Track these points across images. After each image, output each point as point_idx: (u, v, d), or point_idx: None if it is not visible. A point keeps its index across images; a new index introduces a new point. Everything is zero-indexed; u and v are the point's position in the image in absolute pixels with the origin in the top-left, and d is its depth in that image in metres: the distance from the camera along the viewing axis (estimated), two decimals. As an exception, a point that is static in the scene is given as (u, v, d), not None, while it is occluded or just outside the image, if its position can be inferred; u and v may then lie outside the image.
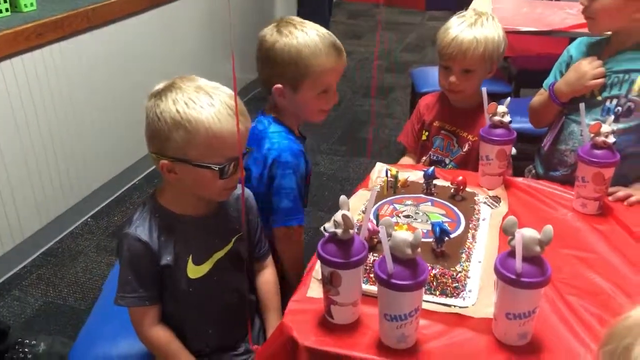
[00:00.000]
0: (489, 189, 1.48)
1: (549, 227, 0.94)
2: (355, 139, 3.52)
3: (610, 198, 1.44)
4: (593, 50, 1.60)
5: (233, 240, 1.28)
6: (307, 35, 1.43)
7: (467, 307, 1.07)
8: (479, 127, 1.51)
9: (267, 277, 1.40)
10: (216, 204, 1.26)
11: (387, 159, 1.63)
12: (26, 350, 1.64)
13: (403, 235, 0.93)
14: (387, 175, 1.40)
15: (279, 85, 1.45)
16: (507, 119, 1.44)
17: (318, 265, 1.13)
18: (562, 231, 1.29)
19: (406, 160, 1.83)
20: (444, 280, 1.08)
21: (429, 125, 1.77)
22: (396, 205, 1.31)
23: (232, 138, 1.12)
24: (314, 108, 1.50)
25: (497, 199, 1.43)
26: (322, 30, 1.47)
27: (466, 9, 1.70)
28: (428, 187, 1.37)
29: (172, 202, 1.23)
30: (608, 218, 1.39)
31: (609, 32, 1.58)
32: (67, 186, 2.52)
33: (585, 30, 1.63)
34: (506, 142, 1.45)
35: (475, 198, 1.37)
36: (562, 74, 1.63)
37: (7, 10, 2.24)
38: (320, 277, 1.08)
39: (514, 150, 1.52)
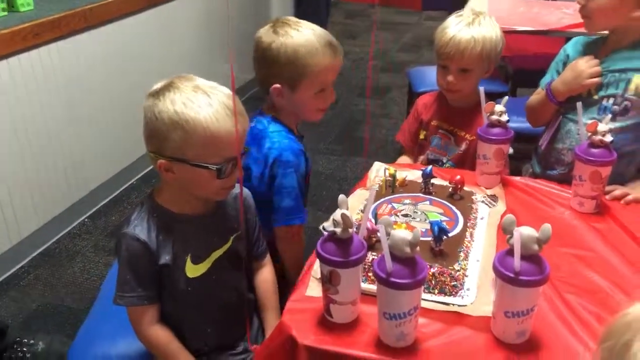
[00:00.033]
0: (486, 188, 1.48)
1: (547, 226, 0.94)
2: (352, 138, 3.53)
3: (607, 197, 1.45)
4: (590, 49, 1.60)
5: (231, 239, 1.28)
6: (303, 35, 1.43)
7: (465, 305, 1.07)
8: (477, 126, 1.52)
9: (265, 276, 1.40)
10: (214, 203, 1.27)
11: (383, 158, 1.64)
12: (25, 349, 1.64)
13: (402, 234, 0.93)
14: (385, 175, 1.40)
15: (277, 85, 1.46)
16: (504, 118, 1.45)
17: (317, 264, 1.13)
18: (559, 230, 1.30)
19: (404, 159, 1.83)
20: (443, 278, 1.08)
21: (426, 124, 1.78)
22: (394, 205, 1.31)
23: (230, 138, 1.13)
24: (312, 107, 1.51)
25: (494, 198, 1.43)
26: (318, 29, 1.47)
27: (463, 9, 1.70)
28: (426, 186, 1.38)
29: (170, 201, 1.23)
30: (605, 217, 1.40)
31: (606, 32, 1.59)
32: (64, 186, 2.52)
33: (582, 29, 1.64)
34: (504, 141, 1.46)
35: (473, 197, 1.37)
36: (558, 73, 1.64)
37: (4, 10, 2.23)
38: (319, 276, 1.08)
39: (510, 150, 1.52)
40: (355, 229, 1.01)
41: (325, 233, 1.00)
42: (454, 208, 1.31)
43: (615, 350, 0.61)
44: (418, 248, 0.94)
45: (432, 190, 1.37)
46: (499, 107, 1.45)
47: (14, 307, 2.15)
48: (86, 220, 2.68)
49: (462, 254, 1.14)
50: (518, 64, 3.13)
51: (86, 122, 2.59)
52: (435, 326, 1.03)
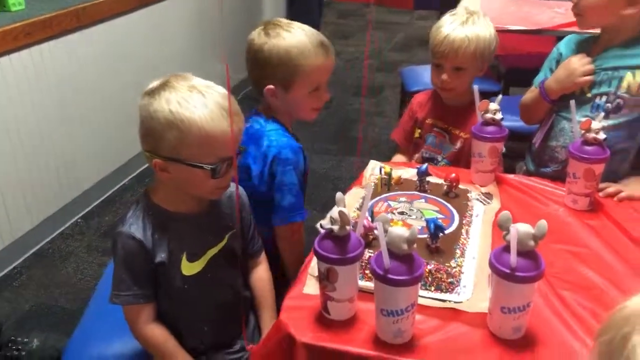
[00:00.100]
0: (481, 186, 1.49)
1: (543, 222, 0.95)
2: (346, 137, 3.53)
3: (600, 194, 1.46)
4: (582, 47, 1.61)
5: (226, 237, 1.28)
6: (294, 36, 1.44)
7: (462, 302, 1.08)
8: (471, 125, 1.52)
9: (261, 274, 1.40)
10: (209, 202, 1.27)
11: (377, 157, 1.64)
12: (19, 347, 1.63)
13: (399, 230, 0.94)
14: (380, 173, 1.41)
15: (271, 86, 1.46)
16: (498, 116, 1.45)
17: (314, 262, 1.13)
18: (554, 227, 1.29)
19: (399, 157, 1.84)
20: (439, 275, 1.09)
21: (421, 122, 1.78)
22: (390, 202, 1.32)
23: (225, 138, 1.13)
24: (307, 106, 1.51)
25: (489, 196, 1.44)
26: (309, 29, 1.48)
27: (455, 9, 1.71)
28: (421, 184, 1.38)
29: (165, 200, 1.23)
30: (599, 214, 1.41)
31: (598, 30, 1.60)
32: (57, 186, 2.51)
33: (574, 29, 1.65)
34: (498, 139, 1.47)
35: (468, 195, 1.38)
36: (552, 71, 1.65)
37: (-5, 9, 2.22)
38: (316, 273, 1.08)
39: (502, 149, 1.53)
40: (351, 227, 1.01)
41: (323, 231, 1.00)
42: (449, 206, 1.32)
43: (614, 344, 0.61)
44: (415, 245, 0.94)
45: (427, 188, 1.38)
46: (494, 105, 1.45)
47: (7, 307, 2.14)
48: (79, 220, 2.67)
49: (458, 251, 1.15)
50: (510, 63, 3.15)
51: (78, 122, 2.58)
52: (432, 323, 1.04)
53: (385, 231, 0.94)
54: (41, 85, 2.34)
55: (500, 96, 1.48)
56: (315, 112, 1.55)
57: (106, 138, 2.76)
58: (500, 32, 1.67)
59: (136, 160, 2.94)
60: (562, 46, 1.66)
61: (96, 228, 2.62)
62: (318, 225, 1.02)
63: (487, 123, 1.47)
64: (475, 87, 1.51)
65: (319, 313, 1.06)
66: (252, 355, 1.14)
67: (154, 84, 1.17)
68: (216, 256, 1.27)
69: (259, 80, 1.49)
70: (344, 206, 1.00)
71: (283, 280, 1.43)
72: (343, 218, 0.97)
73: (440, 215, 1.27)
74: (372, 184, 1.37)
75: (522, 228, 0.95)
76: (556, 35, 2.55)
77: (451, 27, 1.61)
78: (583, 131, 1.37)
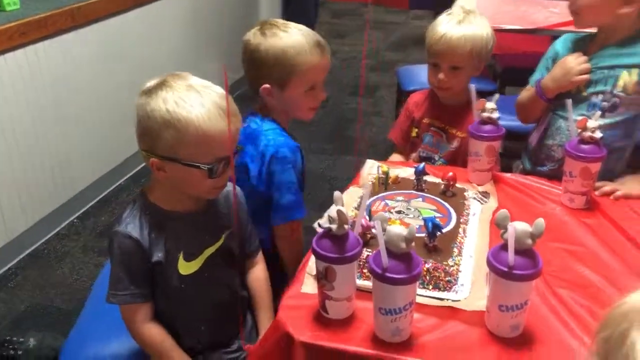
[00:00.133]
0: (478, 185, 1.49)
1: (540, 220, 0.95)
2: (342, 137, 3.53)
3: (596, 192, 1.47)
4: (578, 46, 1.62)
5: (223, 236, 1.28)
6: (290, 35, 1.45)
7: (459, 300, 1.08)
8: (468, 124, 1.53)
9: (258, 274, 1.40)
10: (205, 201, 1.26)
11: (374, 156, 1.64)
12: (16, 347, 1.62)
13: (397, 229, 0.94)
14: (378, 172, 1.41)
15: (267, 85, 1.46)
16: (495, 115, 1.46)
17: (312, 261, 1.13)
18: (550, 225, 1.29)
19: (396, 157, 1.84)
20: (437, 274, 1.09)
21: (418, 122, 1.78)
22: (388, 202, 1.32)
23: (222, 138, 1.12)
24: (303, 106, 1.51)
25: (486, 195, 1.44)
26: (305, 29, 1.49)
27: (450, 8, 1.71)
28: (419, 184, 1.38)
29: (161, 199, 1.23)
30: (595, 212, 1.41)
31: (595, 29, 1.61)
32: (52, 187, 2.50)
33: (570, 28, 1.65)
34: (495, 138, 1.47)
35: (465, 193, 1.38)
36: (547, 70, 1.65)
37: (-10, 9, 2.21)
38: (314, 273, 1.08)
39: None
40: (349, 226, 1.01)
41: (321, 230, 1.00)
42: (446, 205, 1.32)
43: (612, 340, 0.61)
44: (413, 243, 0.94)
45: (424, 187, 1.38)
46: (490, 104, 1.46)
47: (2, 308, 2.13)
48: (75, 220, 2.66)
49: (455, 249, 1.15)
50: (506, 62, 3.15)
51: (73, 122, 2.57)
52: (430, 321, 1.04)
53: (384, 230, 0.94)
54: (36, 84, 2.33)
55: (497, 95, 1.49)
56: (312, 112, 1.55)
57: (101, 138, 2.75)
58: (496, 31, 1.67)
59: (132, 161, 2.93)
60: (558, 45, 1.67)
61: (92, 228, 2.61)
62: (316, 225, 1.02)
63: (483, 122, 1.47)
64: (472, 86, 1.51)
65: (317, 312, 1.06)
66: (250, 354, 1.14)
67: (151, 83, 1.16)
68: (213, 256, 1.27)
69: (255, 81, 1.49)
70: (342, 205, 1.00)
71: (281, 280, 1.43)
72: (341, 217, 0.97)
73: (437, 214, 1.27)
74: (370, 183, 1.37)
75: (519, 226, 0.96)
76: (552, 34, 2.55)
77: (448, 26, 1.61)
78: (579, 130, 1.38)
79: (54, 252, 2.45)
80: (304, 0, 4.14)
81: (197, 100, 1.12)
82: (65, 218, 2.63)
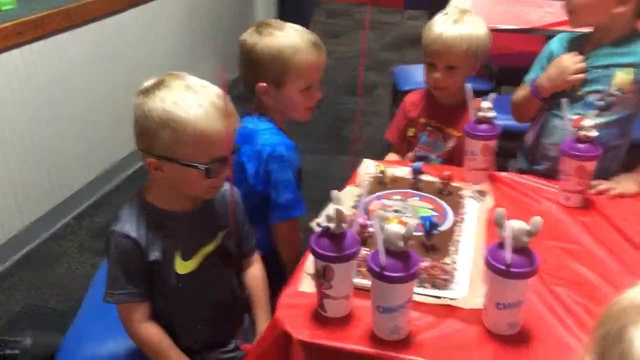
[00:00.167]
0: (474, 184, 1.49)
1: (537, 218, 0.96)
2: (338, 137, 3.53)
3: (592, 191, 1.47)
4: (574, 45, 1.63)
5: (220, 236, 1.28)
6: (287, 35, 1.46)
7: (457, 298, 1.08)
8: (464, 123, 1.53)
9: (255, 273, 1.40)
10: (202, 201, 1.26)
11: (370, 156, 1.64)
12: (12, 346, 1.61)
13: (395, 228, 0.94)
14: (375, 171, 1.41)
15: (263, 84, 1.47)
16: (491, 114, 1.46)
17: (310, 260, 1.13)
18: (547, 224, 1.28)
19: (392, 156, 1.84)
20: (434, 272, 1.10)
21: (414, 121, 1.79)
22: (385, 201, 1.32)
23: (219, 138, 1.13)
24: (299, 105, 1.52)
25: (482, 193, 1.45)
26: (301, 29, 1.50)
27: (445, 8, 1.72)
28: (415, 182, 1.39)
29: (158, 198, 1.23)
30: (591, 210, 1.42)
31: (590, 29, 1.61)
32: (48, 187, 2.49)
33: (565, 28, 1.66)
34: (490, 137, 1.47)
35: (462, 192, 1.38)
36: (542, 69, 1.66)
37: (-15, 8, 2.20)
38: (311, 272, 1.08)
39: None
40: (347, 225, 1.02)
41: (319, 229, 1.01)
42: (443, 203, 1.32)
43: (610, 336, 0.61)
44: (411, 242, 0.95)
45: (421, 186, 1.38)
46: (486, 104, 1.46)
47: (-3, 309, 2.13)
48: (71, 221, 2.65)
49: (452, 248, 1.15)
50: (501, 62, 3.16)
51: (69, 122, 2.56)
52: (428, 319, 1.04)
53: (382, 228, 0.95)
54: (32, 84, 2.32)
55: (493, 94, 1.49)
56: (308, 112, 1.55)
57: (97, 138, 2.74)
58: (491, 31, 1.68)
59: (128, 161, 2.92)
60: (554, 44, 1.68)
61: (88, 229, 2.61)
62: (314, 224, 1.02)
63: (479, 121, 1.47)
64: (468, 86, 1.52)
65: (315, 310, 1.06)
66: (248, 354, 1.14)
67: (149, 82, 1.16)
68: (210, 255, 1.27)
69: (251, 80, 1.49)
70: (340, 204, 1.00)
71: (279, 279, 1.43)
72: (339, 216, 0.97)
73: (434, 213, 1.28)
74: (367, 182, 1.37)
75: (517, 224, 0.96)
76: (547, 34, 2.56)
77: (444, 25, 1.61)
78: (575, 129, 1.38)
79: (50, 253, 2.44)
80: (299, 0, 4.14)
81: (194, 100, 1.12)
82: (61, 218, 2.62)
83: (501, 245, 0.97)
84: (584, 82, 1.56)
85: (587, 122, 1.37)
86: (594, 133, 1.36)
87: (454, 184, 1.39)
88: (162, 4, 3.14)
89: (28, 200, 2.38)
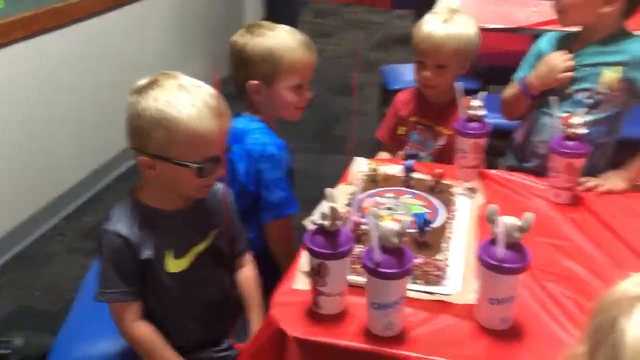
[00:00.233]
0: (465, 181, 1.51)
1: (529, 214, 0.97)
2: (328, 136, 3.54)
3: (580, 188, 1.49)
4: (562, 44, 1.65)
5: (212, 235, 1.28)
6: (277, 34, 1.48)
7: (450, 294, 1.09)
8: (455, 121, 1.54)
9: (247, 273, 1.40)
10: (194, 199, 1.27)
11: (360, 155, 1.64)
12: (4, 346, 1.60)
13: (390, 224, 0.95)
14: (367, 169, 1.42)
15: (254, 82, 1.47)
16: (481, 112, 1.47)
17: (303, 257, 1.14)
18: (536, 220, 1.29)
19: (383, 155, 1.85)
20: (427, 269, 1.10)
21: (405, 120, 1.80)
22: (377, 198, 1.33)
23: (212, 137, 1.13)
24: (290, 104, 1.53)
25: (473, 190, 1.46)
26: (291, 29, 1.52)
27: (432, 7, 1.73)
28: (407, 180, 1.40)
29: (150, 197, 1.23)
30: (580, 207, 1.44)
31: (579, 28, 1.63)
32: (37, 187, 2.48)
33: (551, 27, 1.68)
34: (481, 135, 1.49)
35: (453, 190, 1.40)
36: (531, 68, 1.67)
37: (-28, 8, 2.18)
38: (305, 269, 1.09)
39: None
40: (341, 222, 1.02)
41: (313, 227, 1.01)
42: (434, 201, 1.33)
43: (603, 328, 0.62)
44: (405, 238, 0.95)
45: (413, 184, 1.39)
46: (476, 102, 1.47)
47: (-13, 310, 2.11)
48: (61, 221, 2.63)
49: (444, 244, 1.16)
50: (490, 61, 3.18)
51: (58, 121, 2.55)
52: (421, 315, 1.05)
53: (377, 225, 0.96)
54: (19, 84, 2.31)
55: (484, 93, 1.50)
56: (299, 112, 1.56)
57: (86, 138, 2.73)
58: (480, 30, 1.69)
59: (117, 160, 2.91)
60: (542, 43, 1.70)
61: (78, 229, 2.59)
62: (308, 222, 1.03)
63: (470, 119, 1.49)
64: (458, 84, 1.53)
65: (309, 308, 1.07)
66: (242, 352, 1.14)
67: (143, 81, 1.16)
68: (202, 254, 1.27)
69: (243, 80, 1.50)
70: (335, 202, 1.01)
71: (272, 278, 1.44)
72: (334, 213, 0.98)
73: (426, 210, 1.29)
74: (360, 180, 1.38)
75: (509, 220, 0.97)
76: (534, 33, 2.59)
77: (434, 25, 1.63)
78: (564, 126, 1.40)
79: (40, 253, 2.42)
80: (287, 0, 4.15)
81: (187, 100, 1.13)
82: (50, 218, 2.60)
83: (493, 241, 0.99)
84: (573, 80, 1.58)
85: (576, 119, 1.39)
86: (583, 130, 1.38)
87: (445, 182, 1.40)
88: (151, 3, 3.13)
89: (17, 200, 2.36)
